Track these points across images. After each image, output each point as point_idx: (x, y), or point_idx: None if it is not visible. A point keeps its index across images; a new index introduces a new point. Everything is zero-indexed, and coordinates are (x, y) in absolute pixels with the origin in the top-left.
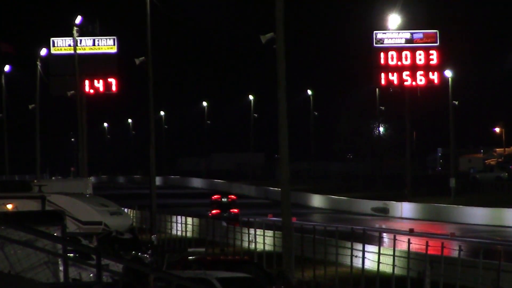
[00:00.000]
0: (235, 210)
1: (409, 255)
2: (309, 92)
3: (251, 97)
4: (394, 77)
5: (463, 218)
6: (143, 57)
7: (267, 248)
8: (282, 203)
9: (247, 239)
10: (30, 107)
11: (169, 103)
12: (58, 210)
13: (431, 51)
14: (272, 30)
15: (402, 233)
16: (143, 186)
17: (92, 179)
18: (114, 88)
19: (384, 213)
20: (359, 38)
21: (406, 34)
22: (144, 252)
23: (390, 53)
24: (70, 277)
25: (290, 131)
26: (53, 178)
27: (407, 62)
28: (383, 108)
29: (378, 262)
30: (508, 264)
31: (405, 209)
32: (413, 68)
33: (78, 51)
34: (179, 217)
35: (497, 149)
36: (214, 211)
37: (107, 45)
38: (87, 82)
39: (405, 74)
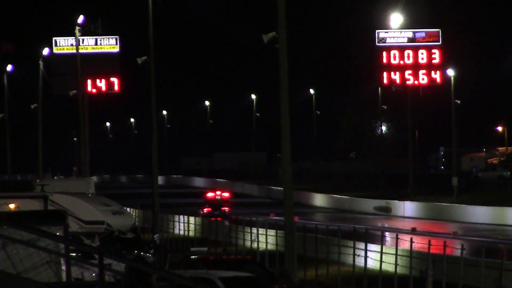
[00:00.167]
0: (226, 208)
1: (412, 254)
2: (311, 91)
3: (253, 96)
4: (396, 76)
5: (466, 217)
6: (145, 57)
7: (270, 247)
8: (284, 202)
9: (249, 239)
10: (32, 106)
11: (171, 102)
12: (60, 209)
13: (433, 50)
14: (274, 30)
15: (404, 232)
16: (145, 185)
17: (94, 178)
18: (116, 87)
19: (386, 212)
20: (361, 37)
21: (409, 33)
22: (147, 251)
23: (392, 52)
24: (73, 276)
25: (292, 130)
26: (55, 177)
27: (410, 61)
28: (385, 107)
29: (381, 261)
30: (510, 263)
31: (407, 208)
32: (416, 67)
33: (80, 51)
34: (181, 216)
35: (500, 148)
36: (205, 209)
37: (109, 44)
38: (89, 82)
39: (408, 73)
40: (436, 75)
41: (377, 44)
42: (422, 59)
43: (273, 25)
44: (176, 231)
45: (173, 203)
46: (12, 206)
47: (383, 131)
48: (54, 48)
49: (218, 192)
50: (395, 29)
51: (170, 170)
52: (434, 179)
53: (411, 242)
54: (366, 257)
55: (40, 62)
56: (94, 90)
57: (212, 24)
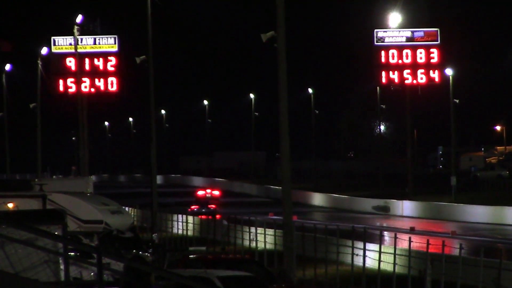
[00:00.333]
0: (213, 206)
1: (410, 254)
2: (310, 90)
3: (252, 95)
4: (395, 76)
5: (464, 216)
6: (144, 56)
7: (268, 246)
8: (283, 201)
9: (248, 238)
10: (31, 106)
11: (170, 101)
12: (59, 209)
13: (432, 50)
14: (273, 29)
15: (403, 232)
16: (144, 185)
17: (93, 178)
18: (115, 87)
19: (385, 211)
20: (360, 37)
21: (407, 33)
22: (145, 251)
23: (391, 51)
24: (71, 276)
25: (291, 129)
26: (54, 177)
27: (408, 60)
28: (384, 106)
29: (379, 261)
30: (509, 262)
31: (406, 207)
32: (414, 67)
33: (79, 50)
34: (180, 215)
35: (498, 147)
36: (193, 207)
37: (108, 44)
38: (88, 81)
39: (406, 72)
40: (435, 75)
41: (375, 43)
42: (421, 58)
43: (272, 24)
44: (175, 231)
45: (171, 202)
46: (10, 205)
47: (382, 131)
48: (53, 47)
49: (208, 190)
50: (393, 29)
51: (169, 169)
52: (433, 179)
53: (410, 241)
54: (364, 256)
55: (39, 61)
56: (92, 90)
57: (211, 23)
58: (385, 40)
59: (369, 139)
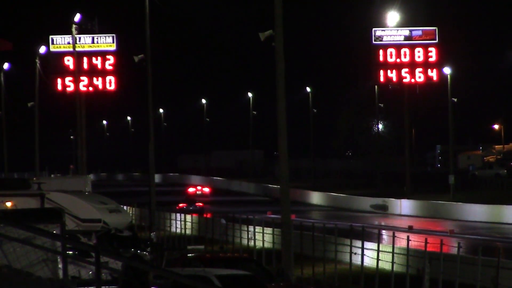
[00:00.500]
0: (200, 204)
1: (408, 252)
2: (308, 89)
3: (250, 94)
4: (393, 74)
5: (462, 215)
6: (142, 55)
7: (266, 245)
8: (281, 200)
9: (246, 237)
10: (29, 104)
11: (168, 100)
12: (57, 207)
13: (430, 48)
14: (271, 28)
15: (401, 230)
16: (142, 183)
17: (91, 176)
18: (113, 85)
19: (383, 210)
20: (358, 35)
21: (405, 31)
22: (143, 249)
23: (389, 50)
24: (69, 274)
25: (289, 128)
26: (52, 175)
27: (406, 59)
28: (382, 105)
29: (377, 259)
30: (507, 261)
31: (404, 206)
32: (412, 65)
33: (77, 49)
34: (178, 214)
35: (496, 146)
36: (181, 205)
37: (106, 42)
38: (86, 80)
39: (404, 71)
40: (433, 73)
41: (373, 42)
42: (419, 57)
43: (270, 23)
44: (173, 229)
45: (170, 201)
46: (9, 204)
47: (380, 129)
48: (51, 46)
49: (199, 187)
50: (391, 27)
51: (167, 168)
52: (431, 177)
53: (408, 240)
54: (363, 255)
55: (37, 60)
56: (91, 88)
57: (209, 22)
58: (383, 39)
59: (367, 137)
